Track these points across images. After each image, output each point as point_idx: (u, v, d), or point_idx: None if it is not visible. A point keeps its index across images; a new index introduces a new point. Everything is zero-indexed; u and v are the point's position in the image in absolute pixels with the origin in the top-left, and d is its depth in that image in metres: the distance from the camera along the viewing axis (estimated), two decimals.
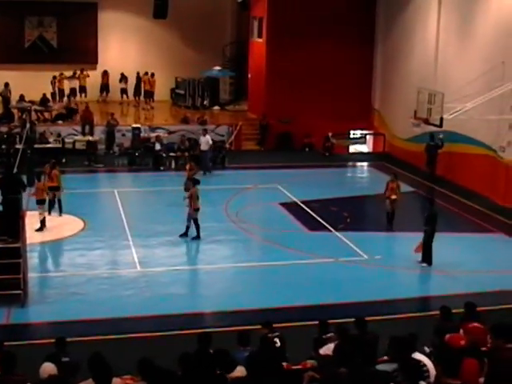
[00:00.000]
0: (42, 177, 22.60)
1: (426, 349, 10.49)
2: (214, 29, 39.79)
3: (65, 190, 23.19)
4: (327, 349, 10.36)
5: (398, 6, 33.49)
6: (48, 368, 9.19)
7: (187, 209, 21.32)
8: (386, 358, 9.67)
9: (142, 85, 38.40)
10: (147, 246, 20.92)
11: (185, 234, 21.42)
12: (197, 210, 21.29)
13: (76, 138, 32.29)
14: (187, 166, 25.19)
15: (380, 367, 8.94)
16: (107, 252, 20.62)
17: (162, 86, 38.69)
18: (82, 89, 38.11)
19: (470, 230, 23.23)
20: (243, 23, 39.82)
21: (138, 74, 38.29)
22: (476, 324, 11.75)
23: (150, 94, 38.30)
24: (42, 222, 21.82)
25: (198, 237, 21.31)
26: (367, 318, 11.94)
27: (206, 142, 29.86)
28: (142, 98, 38.57)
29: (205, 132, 30.37)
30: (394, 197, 22.45)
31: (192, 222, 21.32)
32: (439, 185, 28.10)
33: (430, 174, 29.13)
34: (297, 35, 34.35)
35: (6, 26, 38.28)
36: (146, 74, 38.17)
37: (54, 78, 37.19)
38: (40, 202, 21.86)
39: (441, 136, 28.60)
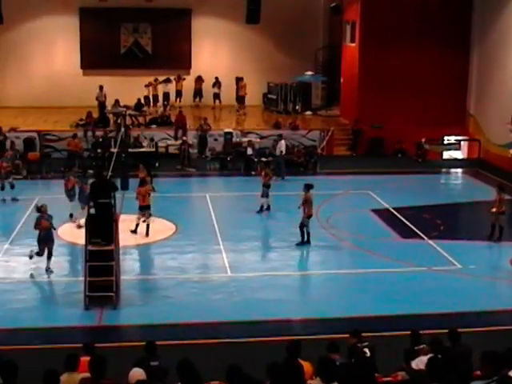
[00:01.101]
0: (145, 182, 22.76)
1: None
2: (306, 33, 39.70)
3: (157, 194, 23.42)
4: (420, 361, 10.09)
5: (494, 9, 32.68)
6: (136, 374, 9.24)
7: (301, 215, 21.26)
8: (478, 372, 9.34)
9: (239, 90, 38.55)
10: (238, 250, 20.96)
11: (307, 241, 21.31)
12: (309, 216, 21.20)
13: (169, 142, 32.76)
14: (262, 173, 25.20)
15: None
16: (198, 256, 20.74)
17: (254, 90, 38.80)
18: (178, 93, 38.64)
19: None
20: (336, 27, 39.60)
21: (236, 79, 38.47)
22: None
23: (242, 100, 38.47)
24: (148, 227, 22.03)
25: (307, 241, 21.20)
26: (460, 330, 11.62)
27: (278, 148, 29.92)
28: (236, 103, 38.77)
29: (279, 138, 30.40)
30: (493, 209, 21.86)
31: (299, 227, 21.22)
32: None
33: None
34: (390, 39, 33.94)
35: (103, 32, 39.14)
36: (242, 79, 38.34)
37: (150, 84, 37.72)
38: (142, 208, 22.08)
39: None
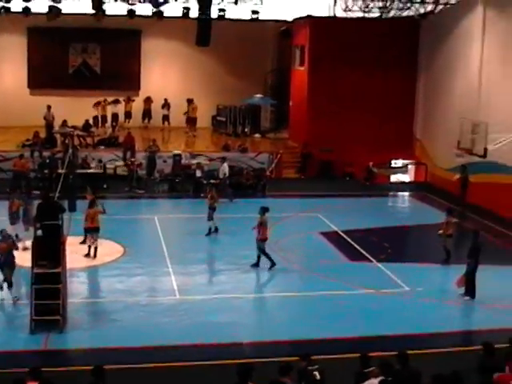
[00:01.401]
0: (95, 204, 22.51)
1: None
2: (256, 56, 39.94)
3: (105, 216, 23.17)
4: None
5: (440, 35, 33.32)
6: None
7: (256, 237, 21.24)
8: None
9: (190, 112, 38.56)
10: (187, 273, 20.85)
11: (257, 265, 21.26)
12: (264, 239, 21.14)
13: (117, 163, 32.52)
14: (208, 195, 25.15)
15: None
16: (146, 279, 20.56)
17: (203, 112, 38.82)
18: (128, 114, 38.53)
19: None
20: (285, 51, 39.92)
21: (188, 100, 38.45)
22: None
23: (194, 121, 38.48)
24: (96, 250, 21.85)
25: (273, 264, 21.11)
26: (408, 352, 11.69)
27: (222, 170, 29.99)
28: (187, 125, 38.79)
29: (223, 160, 30.47)
30: (439, 231, 22.21)
31: (260, 252, 21.16)
32: (482, 216, 27.69)
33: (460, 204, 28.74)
34: (338, 64, 34.41)
35: (52, 52, 38.91)
36: (192, 101, 38.34)
37: (98, 103, 37.55)
38: (91, 230, 21.87)
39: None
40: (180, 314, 17.85)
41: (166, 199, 30.68)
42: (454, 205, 27.07)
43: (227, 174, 30.19)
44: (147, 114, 39.27)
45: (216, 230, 24.60)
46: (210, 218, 24.52)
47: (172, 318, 17.56)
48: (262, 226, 21.05)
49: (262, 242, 21.10)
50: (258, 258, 21.22)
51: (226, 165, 30.25)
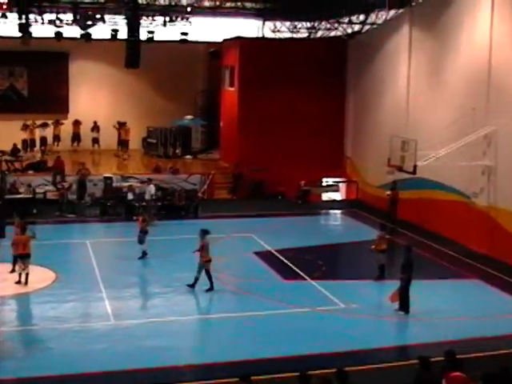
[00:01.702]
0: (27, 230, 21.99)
1: None
2: (186, 78, 39.96)
3: (36, 242, 22.74)
4: None
5: (368, 54, 33.87)
6: None
7: (198, 259, 21.05)
8: None
9: (119, 135, 38.39)
10: (121, 297, 20.56)
11: (192, 286, 21.05)
12: (209, 261, 20.97)
13: (47, 187, 31.99)
14: (140, 218, 24.90)
15: None
16: (80, 304, 20.21)
17: (133, 135, 38.72)
18: (56, 138, 38.14)
19: (445, 277, 23.16)
20: (215, 72, 40.01)
21: (119, 123, 38.31)
22: (458, 373, 11.57)
23: (126, 143, 38.32)
24: (27, 276, 21.28)
25: (211, 288, 20.97)
26: (347, 369, 11.71)
27: (148, 191, 29.91)
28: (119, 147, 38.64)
29: (149, 182, 30.44)
30: (372, 247, 22.45)
31: (204, 273, 20.97)
32: (413, 231, 28.11)
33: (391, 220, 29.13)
34: (268, 84, 34.62)
35: None
36: (125, 124, 38.21)
37: (27, 126, 37.04)
38: (22, 257, 21.35)
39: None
40: (115, 339, 17.56)
41: (97, 223, 30.30)
42: (385, 221, 27.42)
43: (154, 196, 30.07)
44: (76, 137, 38.97)
45: (145, 254, 24.28)
46: (142, 242, 24.24)
47: (107, 343, 17.25)
48: (203, 249, 20.93)
49: (207, 263, 20.95)
50: (196, 279, 21.05)
51: (152, 186, 30.20)
